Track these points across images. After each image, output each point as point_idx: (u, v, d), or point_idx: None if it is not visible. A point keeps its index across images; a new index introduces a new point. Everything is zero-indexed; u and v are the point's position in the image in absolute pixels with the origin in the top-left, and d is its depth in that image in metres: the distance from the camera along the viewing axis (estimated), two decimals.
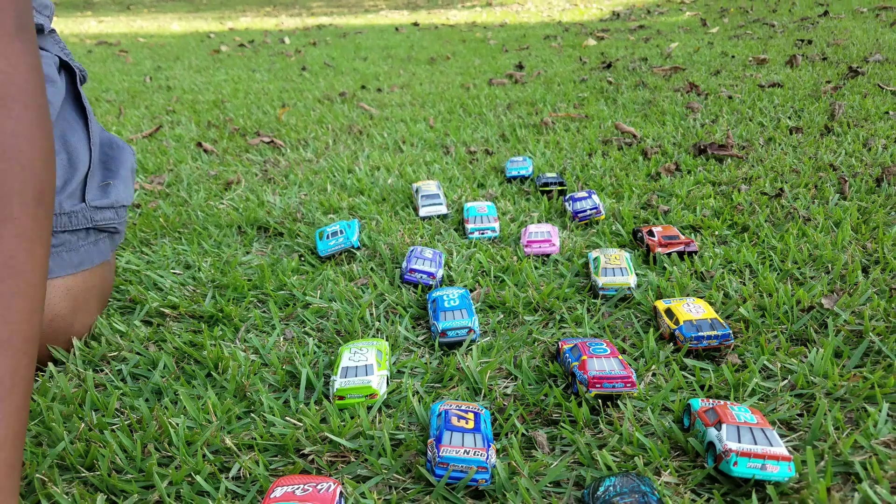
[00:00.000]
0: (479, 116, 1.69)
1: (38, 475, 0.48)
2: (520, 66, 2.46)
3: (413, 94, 2.12)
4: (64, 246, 0.65)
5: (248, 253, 0.88)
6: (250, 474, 0.48)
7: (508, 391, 0.57)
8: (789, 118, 1.38)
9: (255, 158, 1.38)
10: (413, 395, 0.56)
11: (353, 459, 0.50)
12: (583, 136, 1.39)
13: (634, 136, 1.33)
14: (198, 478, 0.47)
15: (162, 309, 0.72)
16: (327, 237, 0.86)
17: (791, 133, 1.27)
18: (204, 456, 0.50)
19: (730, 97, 1.60)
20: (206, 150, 1.45)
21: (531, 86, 2.10)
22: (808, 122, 1.33)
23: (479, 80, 2.29)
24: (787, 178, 1.02)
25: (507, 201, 1.03)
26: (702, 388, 0.55)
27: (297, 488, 0.43)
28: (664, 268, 0.76)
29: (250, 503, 0.46)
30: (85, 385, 0.60)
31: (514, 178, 1.13)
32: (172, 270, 0.82)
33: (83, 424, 0.53)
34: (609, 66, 2.27)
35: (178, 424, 0.53)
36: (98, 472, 0.49)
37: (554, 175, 1.08)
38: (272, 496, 0.43)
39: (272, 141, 1.49)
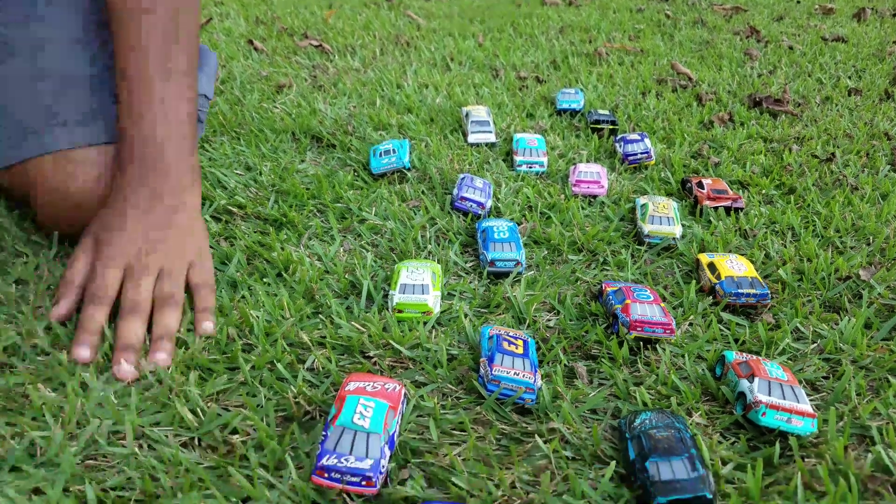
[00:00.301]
0: (529, 38, 1.66)
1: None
2: None
3: (461, 6, 2.08)
4: None
5: (302, 161, 0.91)
6: (323, 368, 0.53)
7: (551, 324, 0.61)
8: (849, 78, 1.36)
9: (304, 62, 1.38)
10: (465, 317, 0.60)
11: (410, 367, 0.54)
12: (637, 72, 1.38)
13: (690, 78, 1.32)
14: (279, 365, 0.52)
15: (229, 207, 0.76)
16: (380, 155, 0.88)
17: (849, 94, 1.25)
18: (283, 347, 0.55)
19: (790, 48, 1.57)
20: (256, 49, 1.45)
21: (586, 10, 2.05)
22: (868, 84, 1.31)
23: None
24: (839, 142, 1.03)
25: (556, 135, 1.04)
26: (736, 341, 0.59)
27: (367, 385, 0.48)
28: (709, 221, 0.79)
29: (324, 392, 0.51)
30: None
31: (565, 110, 1.14)
32: (235, 171, 0.85)
33: None
34: None
35: (258, 316, 0.58)
36: (189, 349, 0.54)
37: (606, 112, 1.08)
38: (346, 388, 0.47)
39: (320, 45, 1.49)
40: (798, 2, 2.15)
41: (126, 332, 0.54)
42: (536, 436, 0.48)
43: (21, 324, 0.57)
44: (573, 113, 1.14)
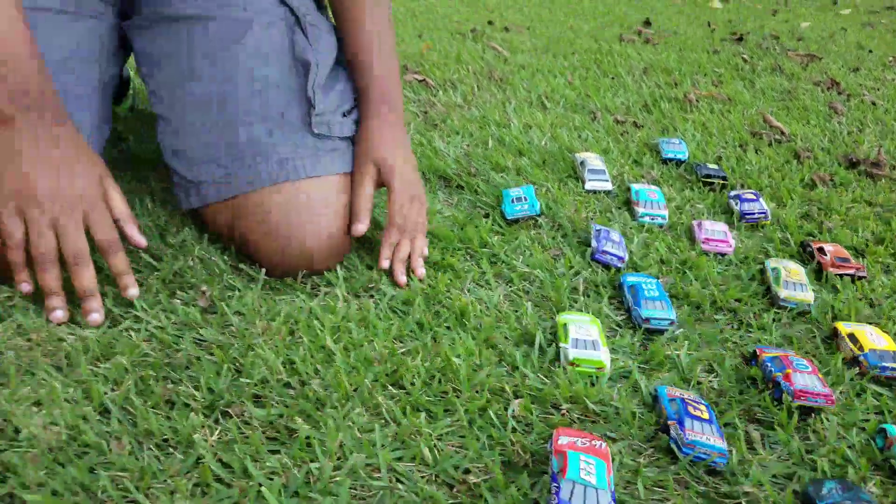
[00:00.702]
0: (616, 79, 1.72)
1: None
2: (647, 23, 2.45)
3: (541, 39, 2.15)
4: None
5: (436, 202, 0.98)
6: (524, 417, 0.60)
7: (714, 385, 0.67)
8: None
9: (412, 96, 1.45)
10: (639, 376, 0.66)
11: (601, 422, 0.61)
12: (728, 121, 1.43)
13: (783, 132, 1.37)
14: (490, 412, 0.59)
15: None
16: (513, 201, 0.95)
17: None
18: (487, 395, 0.61)
19: (873, 103, 1.62)
20: None
21: (663, 49, 2.11)
22: None
23: (606, 31, 2.29)
24: None
25: (668, 186, 1.10)
26: (889, 412, 0.64)
27: (577, 440, 0.54)
28: (834, 287, 0.84)
29: (532, 443, 0.57)
30: (348, 314, 0.71)
31: (670, 160, 1.20)
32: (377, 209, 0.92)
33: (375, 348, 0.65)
34: (741, 38, 2.26)
35: (459, 363, 0.64)
36: (405, 390, 0.61)
37: (716, 167, 1.14)
38: (559, 442, 0.54)
39: (424, 80, 1.56)
40: (870, 51, 2.20)
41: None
42: (730, 498, 0.54)
43: (263, 357, 0.64)
44: (678, 163, 1.20)
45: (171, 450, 0.55)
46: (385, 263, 0.78)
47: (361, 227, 0.76)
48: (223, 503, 0.50)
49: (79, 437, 0.54)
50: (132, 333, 0.66)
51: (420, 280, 0.78)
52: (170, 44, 0.77)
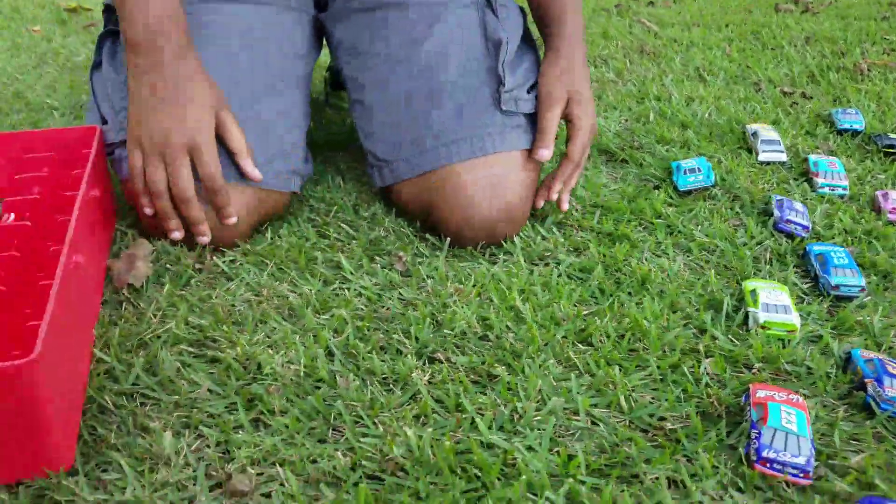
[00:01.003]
0: (777, 49, 1.66)
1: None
2: None
3: (690, 12, 2.09)
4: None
5: (601, 175, 1.00)
6: (717, 375, 0.62)
7: None
8: None
9: None
10: (831, 339, 0.66)
11: (793, 381, 0.62)
12: None
13: None
14: (683, 367, 0.62)
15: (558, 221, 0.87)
16: (685, 172, 0.96)
17: None
18: (678, 354, 0.64)
19: None
20: None
21: (825, 18, 1.99)
22: None
23: (760, 1, 2.19)
24: None
25: (845, 157, 1.06)
26: None
27: (774, 393, 0.56)
28: None
29: (727, 395, 0.60)
30: (531, 279, 0.76)
31: (846, 131, 1.15)
32: None
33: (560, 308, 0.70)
34: None
35: (648, 325, 0.67)
36: (595, 347, 0.65)
37: None
38: (757, 395, 0.56)
39: None
40: None
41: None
42: None
43: (459, 314, 0.70)
44: (854, 134, 1.15)
45: (390, 386, 0.62)
46: (554, 196, 0.83)
47: (547, 154, 0.79)
48: (442, 430, 0.57)
49: (313, 374, 0.63)
50: (344, 291, 0.74)
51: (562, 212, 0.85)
52: (367, 31, 0.85)
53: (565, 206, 0.84)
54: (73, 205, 0.71)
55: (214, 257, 0.80)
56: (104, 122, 0.80)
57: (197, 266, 0.79)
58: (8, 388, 0.47)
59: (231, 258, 0.80)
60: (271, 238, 0.84)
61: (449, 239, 0.82)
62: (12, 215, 0.72)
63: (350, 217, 0.89)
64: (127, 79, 0.74)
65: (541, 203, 0.83)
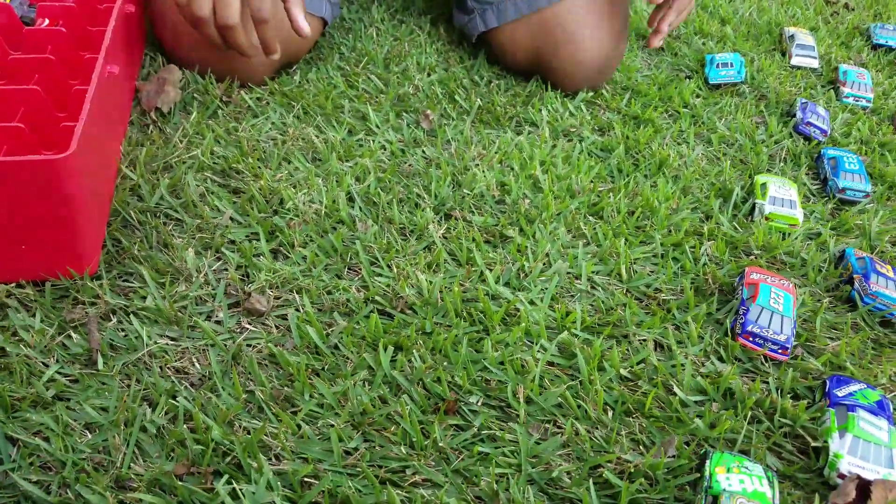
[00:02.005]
0: None
1: None
2: None
3: None
4: None
5: (636, 60, 0.99)
6: (717, 257, 0.65)
7: None
8: None
9: None
10: (829, 237, 0.69)
11: (788, 269, 0.65)
12: None
13: None
14: (685, 246, 0.65)
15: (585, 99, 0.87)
16: (717, 66, 0.95)
17: None
18: (683, 234, 0.67)
19: None
20: None
21: None
22: None
23: None
24: None
25: (875, 71, 1.05)
26: None
27: (767, 277, 0.59)
28: None
29: (723, 275, 0.63)
30: (553, 151, 0.78)
31: (881, 46, 1.13)
32: None
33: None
34: None
35: (658, 205, 0.70)
36: (605, 220, 0.68)
37: None
38: (751, 277, 0.59)
39: None
40: None
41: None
42: None
43: (479, 176, 0.72)
44: (889, 49, 1.13)
45: (406, 236, 0.65)
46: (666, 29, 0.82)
47: None
48: (453, 279, 0.60)
49: (333, 215, 0.65)
50: (369, 142, 0.76)
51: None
52: None
53: (657, 42, 0.83)
54: (106, 18, 0.70)
55: (242, 92, 0.81)
56: None
57: (224, 98, 0.80)
58: (44, 182, 0.49)
59: (258, 95, 0.81)
60: (299, 81, 0.85)
61: (551, 83, 0.87)
62: (46, 20, 0.72)
63: (380, 70, 0.89)
64: None
65: (658, 42, 0.83)
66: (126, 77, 0.73)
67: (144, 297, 0.55)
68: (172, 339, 0.52)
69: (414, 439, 0.47)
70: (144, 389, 0.48)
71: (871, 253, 0.68)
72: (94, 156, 0.56)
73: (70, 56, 0.68)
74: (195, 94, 0.79)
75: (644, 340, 0.56)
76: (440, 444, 0.47)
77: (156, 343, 0.51)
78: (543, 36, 0.82)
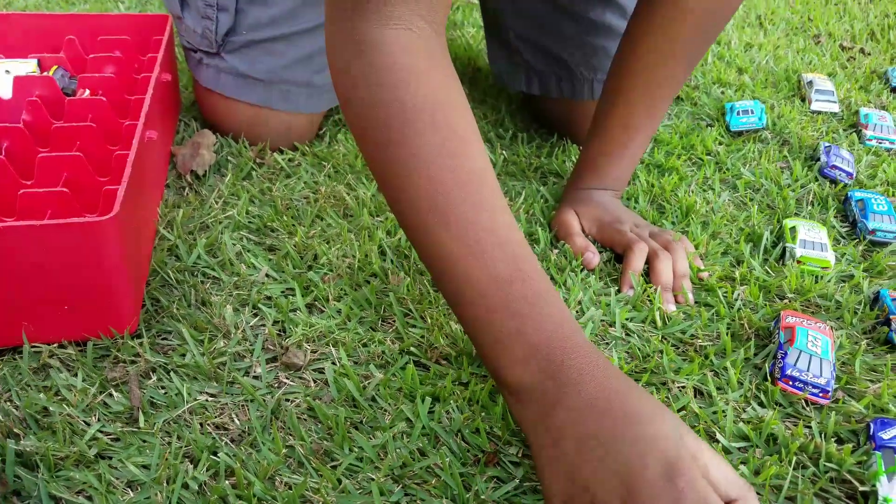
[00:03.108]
0: (840, 4, 1.62)
1: None
2: None
3: None
4: None
5: None
6: (751, 301, 0.65)
7: None
8: None
9: None
10: (862, 278, 0.68)
11: (823, 312, 0.64)
12: None
13: None
14: (718, 291, 0.65)
15: None
16: (738, 114, 0.96)
17: None
18: (715, 279, 0.67)
19: None
20: None
21: None
22: None
23: None
24: None
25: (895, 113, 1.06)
26: None
27: (803, 320, 0.59)
28: None
29: (758, 320, 0.62)
30: None
31: None
32: None
33: None
34: None
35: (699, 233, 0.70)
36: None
37: None
38: (786, 320, 0.59)
39: None
40: None
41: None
42: None
43: None
44: None
45: None
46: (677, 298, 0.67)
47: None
48: None
49: (366, 268, 0.66)
50: None
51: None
52: None
53: (680, 300, 0.66)
54: (143, 87, 0.74)
55: (275, 154, 0.83)
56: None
57: (257, 161, 0.82)
58: (88, 244, 0.51)
59: (290, 157, 0.84)
60: (329, 142, 0.87)
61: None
62: (87, 91, 0.75)
63: None
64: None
65: (671, 305, 0.65)
66: (163, 142, 0.76)
67: (184, 355, 0.56)
68: (212, 395, 0.53)
69: (455, 492, 0.46)
70: (186, 446, 0.48)
71: None
72: (135, 218, 0.58)
73: (110, 124, 0.71)
74: (229, 157, 0.82)
75: (683, 387, 0.56)
76: (482, 497, 0.46)
77: (196, 399, 0.52)
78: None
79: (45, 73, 0.79)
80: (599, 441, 0.39)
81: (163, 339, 0.58)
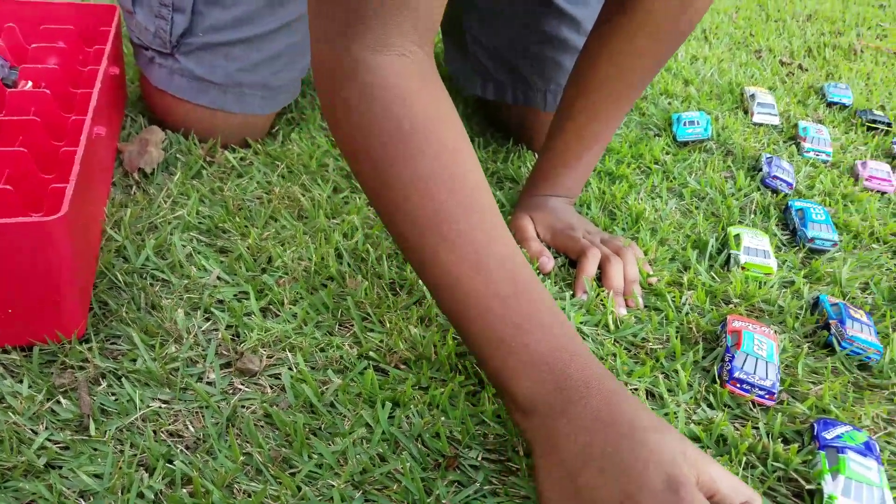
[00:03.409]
0: (780, 22, 1.69)
1: None
2: None
3: None
4: None
5: None
6: (698, 306, 0.67)
7: (869, 301, 0.71)
8: None
9: None
10: (803, 285, 0.71)
11: (766, 317, 0.67)
12: (894, 73, 1.40)
13: None
14: (668, 297, 0.67)
15: None
16: (685, 124, 0.99)
17: None
18: (663, 284, 0.69)
19: None
20: None
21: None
22: None
23: None
24: None
25: (833, 128, 1.11)
26: None
27: (748, 324, 0.61)
28: None
29: (706, 323, 0.64)
30: None
31: (835, 104, 1.20)
32: None
33: None
34: None
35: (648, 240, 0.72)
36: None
37: (881, 114, 1.14)
38: (733, 325, 0.61)
39: None
40: None
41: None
42: (879, 389, 0.60)
43: None
44: (841, 107, 1.19)
45: (397, 290, 0.65)
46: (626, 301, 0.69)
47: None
48: (446, 332, 0.61)
49: (322, 271, 0.66)
50: (355, 199, 0.77)
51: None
52: None
53: (630, 304, 0.67)
54: (88, 81, 0.71)
55: (226, 152, 0.81)
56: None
57: (207, 159, 0.80)
58: (33, 245, 0.49)
59: (241, 155, 0.82)
60: (282, 141, 0.86)
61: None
62: (30, 83, 0.72)
63: None
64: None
65: (622, 309, 0.66)
66: (109, 138, 0.74)
67: (134, 360, 0.54)
68: (165, 401, 0.51)
69: (416, 497, 0.46)
70: (140, 454, 0.47)
71: (843, 299, 0.71)
72: (83, 217, 0.56)
73: (54, 118, 0.68)
74: (178, 155, 0.80)
75: (636, 389, 0.57)
76: (443, 502, 0.46)
77: (148, 406, 0.50)
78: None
79: None
80: (602, 451, 0.40)
81: (112, 343, 0.56)
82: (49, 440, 0.47)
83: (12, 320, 0.51)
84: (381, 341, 0.59)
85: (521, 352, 0.45)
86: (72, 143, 0.64)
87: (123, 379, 0.52)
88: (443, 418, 0.52)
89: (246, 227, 0.70)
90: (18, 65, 0.77)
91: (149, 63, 0.79)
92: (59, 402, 0.50)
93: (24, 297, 0.51)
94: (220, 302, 0.62)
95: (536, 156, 0.81)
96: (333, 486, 0.46)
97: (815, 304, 0.68)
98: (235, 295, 0.63)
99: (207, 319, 0.60)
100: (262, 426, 0.51)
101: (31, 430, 0.47)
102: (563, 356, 0.45)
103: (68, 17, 0.81)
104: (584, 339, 0.62)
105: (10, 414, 0.48)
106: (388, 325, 0.60)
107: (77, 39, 0.80)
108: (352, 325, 0.61)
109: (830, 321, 0.64)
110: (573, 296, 0.67)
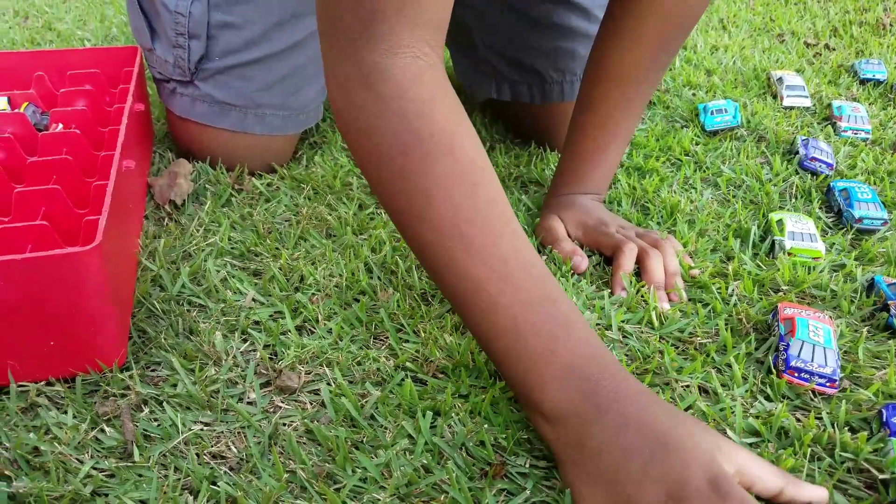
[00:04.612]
0: (800, 4, 1.65)
1: None
2: None
3: None
4: None
5: None
6: (746, 296, 0.65)
7: None
8: None
9: None
10: (855, 267, 0.68)
11: (819, 303, 0.64)
12: None
13: None
14: (713, 287, 0.64)
15: None
16: (712, 113, 0.97)
17: None
18: (709, 276, 0.67)
19: None
20: None
21: None
22: None
23: None
24: None
25: (867, 104, 1.07)
26: None
27: (801, 310, 0.59)
28: None
29: (755, 313, 0.62)
30: None
31: (869, 80, 1.16)
32: None
33: None
34: None
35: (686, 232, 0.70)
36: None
37: None
38: (785, 312, 0.58)
39: None
40: None
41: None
42: None
43: None
44: (876, 83, 1.15)
45: (429, 300, 0.64)
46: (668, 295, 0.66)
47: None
48: None
49: (354, 286, 0.65)
50: (380, 214, 0.76)
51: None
52: None
53: (674, 297, 0.64)
54: (116, 119, 0.72)
55: (253, 179, 0.82)
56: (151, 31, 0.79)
57: (236, 186, 0.81)
58: (71, 276, 0.49)
59: (268, 181, 0.82)
60: (306, 164, 0.86)
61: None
62: (60, 125, 0.74)
63: None
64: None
65: (666, 304, 0.63)
66: (139, 173, 0.75)
67: (175, 385, 0.54)
68: (207, 424, 0.51)
69: None
70: (184, 477, 0.46)
71: None
72: (117, 247, 0.57)
73: (85, 156, 0.69)
74: (207, 185, 0.81)
75: (687, 386, 0.55)
76: None
77: (190, 429, 0.50)
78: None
79: (15, 111, 0.78)
80: (641, 455, 0.40)
81: (152, 370, 0.56)
82: (94, 468, 0.47)
83: (54, 352, 0.52)
84: (417, 351, 0.58)
85: (550, 360, 0.45)
86: (103, 178, 0.65)
87: (165, 404, 0.52)
88: (486, 426, 0.51)
89: (277, 248, 0.70)
90: (49, 110, 0.79)
91: (171, 94, 0.80)
92: (102, 430, 0.50)
93: (65, 329, 0.51)
94: (257, 323, 0.62)
95: (559, 155, 0.79)
96: (379, 499, 0.45)
97: (871, 286, 0.65)
98: (271, 315, 0.62)
99: (245, 340, 0.59)
100: (304, 442, 0.50)
101: (77, 459, 0.47)
102: (593, 364, 0.44)
103: (93, 62, 0.83)
104: (626, 338, 0.60)
105: (56, 444, 0.48)
106: (422, 334, 0.59)
107: (103, 82, 0.82)
108: (387, 337, 0.60)
109: (889, 302, 0.61)
110: (612, 294, 0.65)
